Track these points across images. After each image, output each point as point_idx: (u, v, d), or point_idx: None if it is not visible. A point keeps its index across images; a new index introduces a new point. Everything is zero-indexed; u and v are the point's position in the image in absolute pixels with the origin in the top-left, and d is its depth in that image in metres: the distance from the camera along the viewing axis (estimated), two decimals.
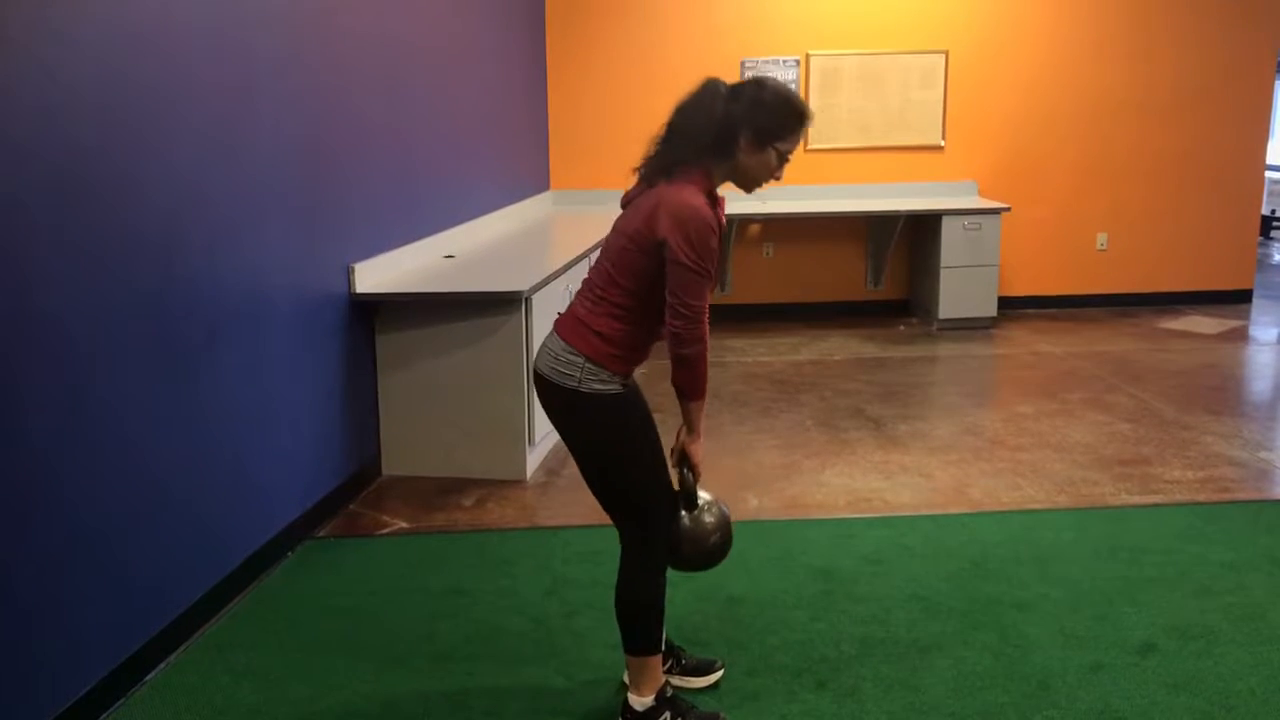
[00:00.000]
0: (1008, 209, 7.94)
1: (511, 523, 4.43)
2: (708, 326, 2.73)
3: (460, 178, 6.18)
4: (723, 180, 2.78)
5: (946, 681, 3.17)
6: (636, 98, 8.05)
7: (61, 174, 2.88)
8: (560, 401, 2.77)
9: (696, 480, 2.91)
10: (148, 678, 3.20)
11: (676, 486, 2.93)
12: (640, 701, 2.89)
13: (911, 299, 8.55)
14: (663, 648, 2.97)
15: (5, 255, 2.67)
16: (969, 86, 8.30)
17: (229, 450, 3.70)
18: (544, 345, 2.82)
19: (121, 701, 3.08)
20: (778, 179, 2.80)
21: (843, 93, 8.28)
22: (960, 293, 7.93)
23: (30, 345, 2.76)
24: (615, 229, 2.80)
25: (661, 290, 2.70)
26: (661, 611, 2.91)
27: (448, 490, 4.78)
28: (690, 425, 2.84)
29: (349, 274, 4.60)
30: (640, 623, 2.86)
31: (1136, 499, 4.61)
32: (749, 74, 8.19)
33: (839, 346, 7.56)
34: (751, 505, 4.59)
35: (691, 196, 2.65)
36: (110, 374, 3.07)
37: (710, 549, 2.94)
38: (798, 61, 8.23)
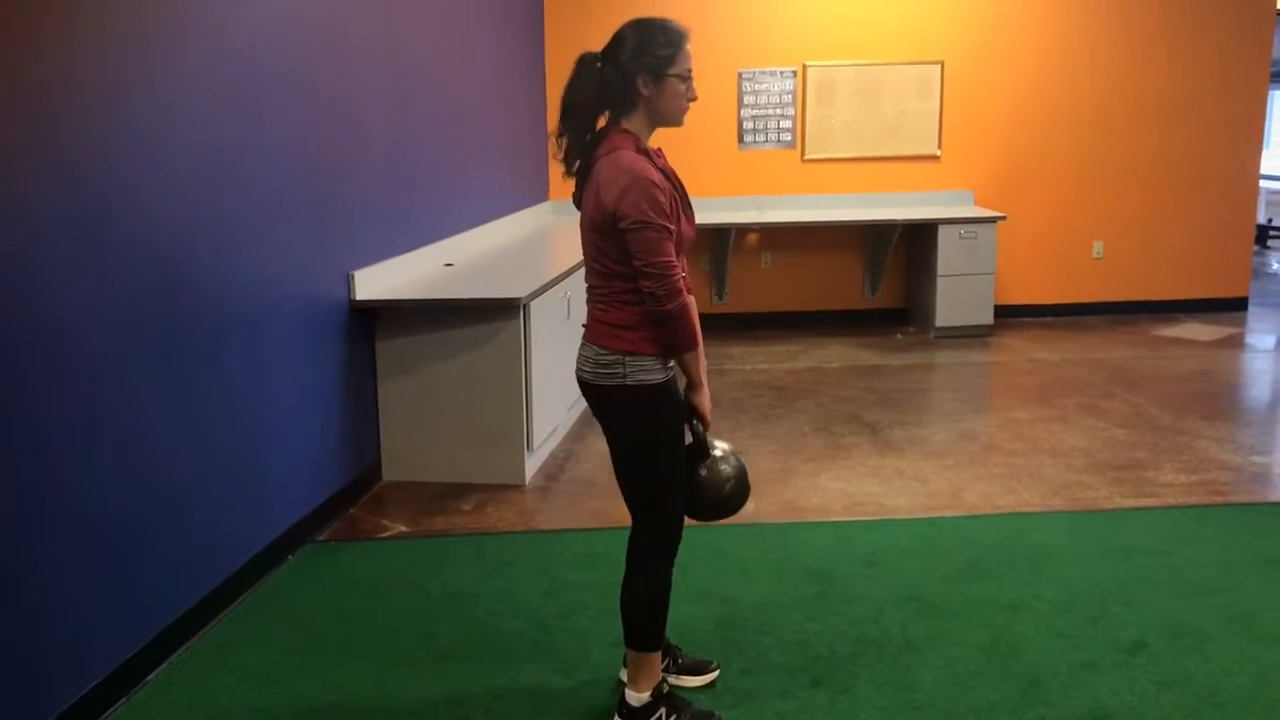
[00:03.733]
0: (1004, 218, 8.00)
1: (510, 526, 4.47)
2: (682, 279, 2.73)
3: (460, 187, 6.23)
4: (648, 130, 2.78)
5: (939, 680, 3.21)
6: None
7: (67, 186, 2.93)
8: (609, 400, 2.80)
9: (706, 429, 2.92)
10: (149, 677, 3.24)
11: (688, 440, 2.94)
12: (637, 698, 2.93)
13: (909, 307, 8.60)
14: (661, 644, 3.00)
15: (13, 266, 2.72)
16: (965, 96, 8.36)
17: (232, 455, 3.75)
18: (580, 356, 2.85)
19: (124, 700, 3.12)
20: (694, 99, 2.80)
21: (839, 103, 8.35)
22: (957, 301, 7.98)
23: (38, 352, 2.80)
24: (581, 228, 2.84)
25: None
26: (666, 608, 2.95)
27: (447, 495, 4.82)
28: (690, 377, 2.84)
29: (349, 281, 4.66)
30: (645, 618, 2.90)
31: (1130, 502, 4.65)
32: (746, 84, 8.26)
33: (837, 354, 7.60)
34: (748, 509, 4.55)
35: (621, 159, 2.68)
36: (117, 381, 3.11)
37: (726, 497, 2.96)
38: (794, 72, 8.29)
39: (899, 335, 8.22)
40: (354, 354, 4.73)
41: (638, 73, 2.70)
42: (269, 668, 3.34)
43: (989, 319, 8.06)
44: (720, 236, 8.21)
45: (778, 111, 8.35)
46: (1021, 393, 6.57)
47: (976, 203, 8.47)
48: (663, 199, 2.67)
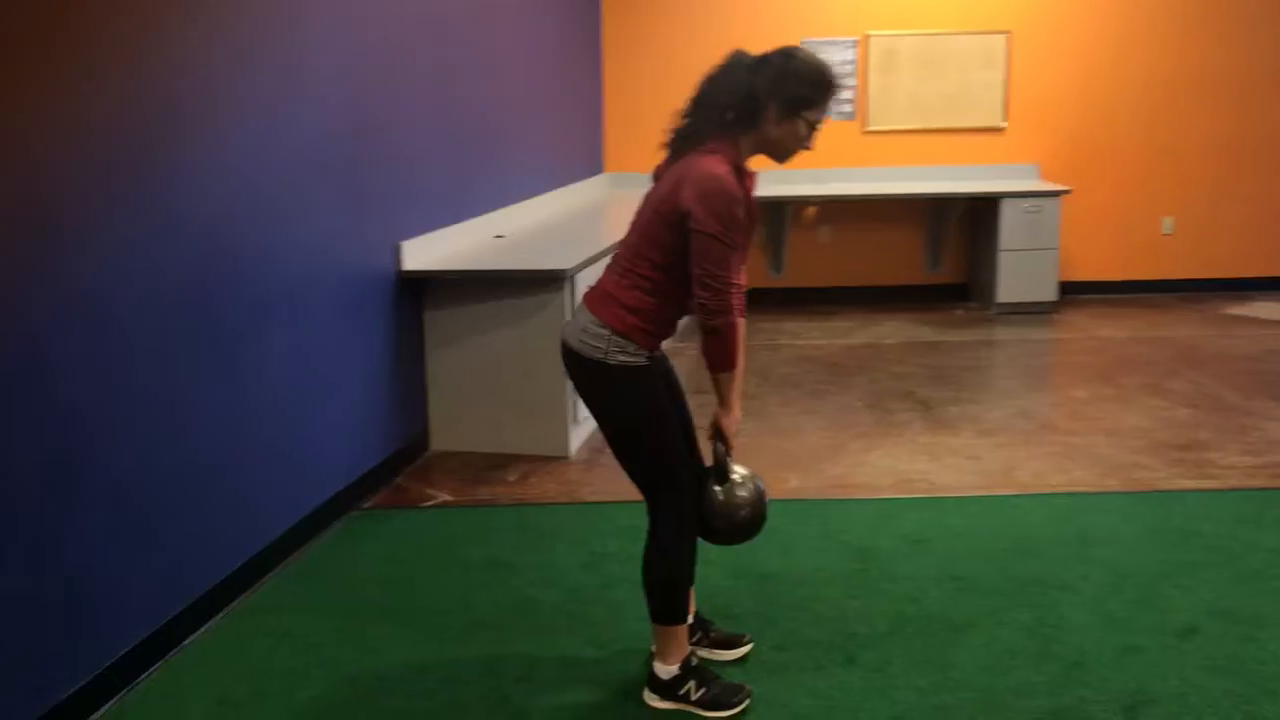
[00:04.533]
0: (1068, 192, 7.80)
1: (553, 498, 4.47)
2: (739, 299, 2.73)
3: (512, 158, 6.22)
4: (752, 152, 2.77)
5: (977, 660, 3.15)
6: (692, 80, 8.00)
7: (103, 152, 2.95)
8: (586, 373, 2.79)
9: (729, 453, 2.89)
10: (186, 641, 3.29)
11: (709, 461, 2.94)
12: (665, 670, 2.91)
13: (970, 283, 8.44)
14: (689, 619, 2.98)
15: (48, 234, 2.76)
16: (1032, 67, 8.16)
17: (272, 424, 3.78)
18: (572, 318, 2.84)
19: (160, 663, 3.17)
20: (809, 149, 2.79)
21: (901, 74, 8.19)
22: (1019, 276, 7.81)
23: (73, 319, 2.84)
24: (644, 202, 2.82)
25: (686, 263, 2.70)
26: (688, 583, 2.93)
27: (493, 465, 4.83)
28: (721, 398, 2.83)
29: (397, 251, 4.67)
30: (664, 593, 2.87)
31: (1189, 483, 4.52)
32: None
33: (894, 330, 7.49)
34: (792, 485, 4.58)
35: (715, 167, 2.66)
36: (152, 350, 3.14)
37: (740, 523, 2.92)
38: (855, 42, 8.15)
39: (959, 311, 8.07)
40: (402, 324, 4.75)
41: (771, 99, 2.67)
42: (306, 632, 3.37)
43: (1052, 295, 7.88)
44: (777, 210, 8.11)
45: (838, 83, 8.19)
46: (1082, 371, 6.42)
47: (1042, 176, 8.28)
48: (740, 215, 2.66)
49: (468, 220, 5.44)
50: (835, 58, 8.14)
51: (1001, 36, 8.11)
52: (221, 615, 3.46)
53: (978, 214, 8.19)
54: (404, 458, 4.81)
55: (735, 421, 2.87)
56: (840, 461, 4.86)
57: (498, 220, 5.80)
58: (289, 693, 3.03)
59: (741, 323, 2.78)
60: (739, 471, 2.92)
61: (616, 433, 2.85)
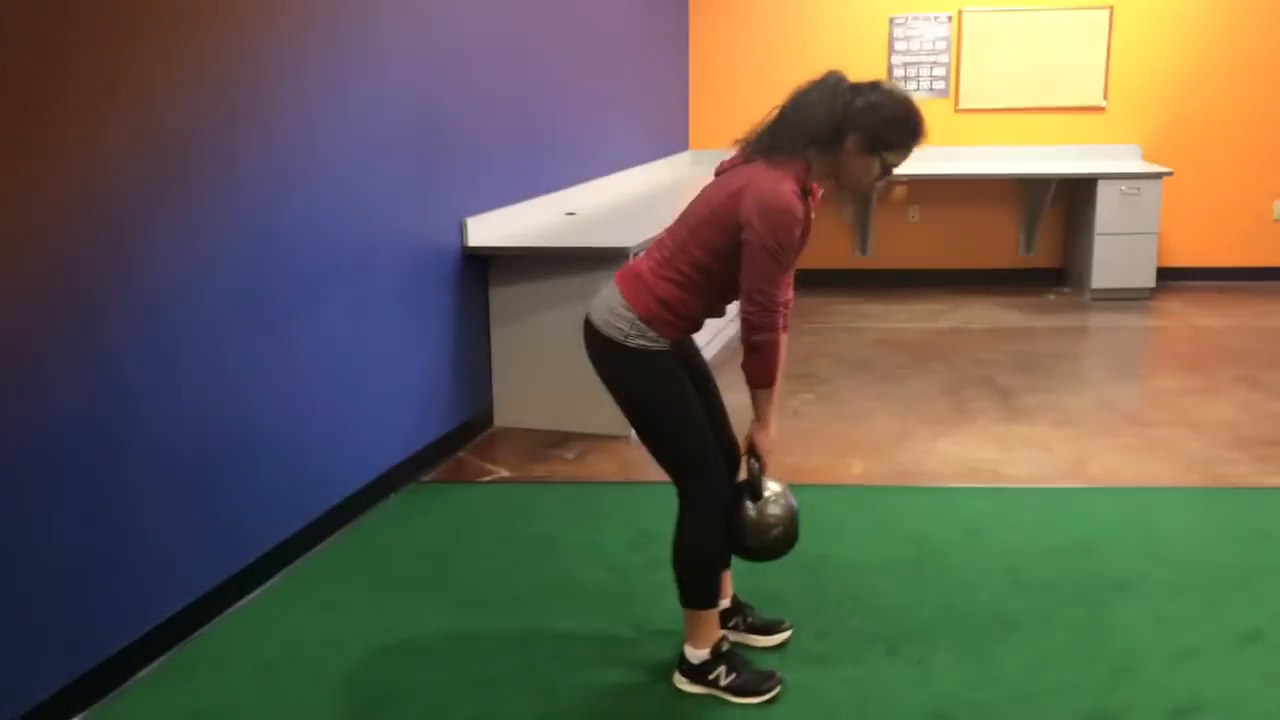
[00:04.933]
0: (1170, 174, 7.48)
1: (609, 476, 4.46)
2: (783, 317, 2.73)
3: (589, 134, 6.21)
4: (821, 176, 2.74)
5: (1022, 657, 3.05)
6: (780, 55, 7.92)
7: (149, 127, 3.02)
8: (605, 352, 2.77)
9: (763, 470, 2.87)
10: (235, 606, 3.37)
11: (743, 475, 2.92)
12: (695, 654, 2.89)
13: (1065, 267, 8.18)
14: (719, 603, 2.95)
15: (99, 197, 2.83)
16: (1135, 44, 7.83)
17: (327, 397, 3.83)
18: (601, 295, 2.82)
19: (207, 626, 3.26)
20: (875, 189, 2.75)
21: (997, 51, 7.94)
22: (1115, 261, 7.53)
23: (122, 283, 2.91)
24: (701, 197, 2.78)
25: (728, 267, 2.68)
26: (718, 567, 2.89)
27: (553, 442, 4.85)
28: (758, 413, 2.82)
29: (462, 228, 4.69)
30: (693, 577, 2.84)
31: (1275, 481, 4.31)
32: (898, 30, 7.95)
33: (981, 315, 7.30)
34: (855, 471, 4.50)
35: (782, 184, 2.61)
36: (205, 319, 3.21)
37: (771, 541, 2.90)
38: (949, 18, 7.93)
39: (1051, 296, 7.83)
40: (466, 300, 4.78)
41: (856, 131, 2.62)
42: (349, 602, 3.43)
43: (1150, 281, 7.58)
44: None
45: (930, 59, 8.01)
46: (1174, 361, 6.18)
47: (1144, 157, 7.96)
48: (797, 236, 2.64)
49: (541, 196, 5.44)
50: (928, 34, 7.95)
51: (1103, 11, 7.80)
52: (272, 582, 3.54)
53: (1074, 196, 7.92)
54: (468, 433, 4.86)
55: (771, 439, 2.85)
56: (907, 449, 4.75)
57: (573, 196, 5.79)
58: (324, 661, 3.09)
59: (785, 339, 2.79)
60: (772, 488, 2.89)
61: (635, 416, 2.83)
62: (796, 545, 2.95)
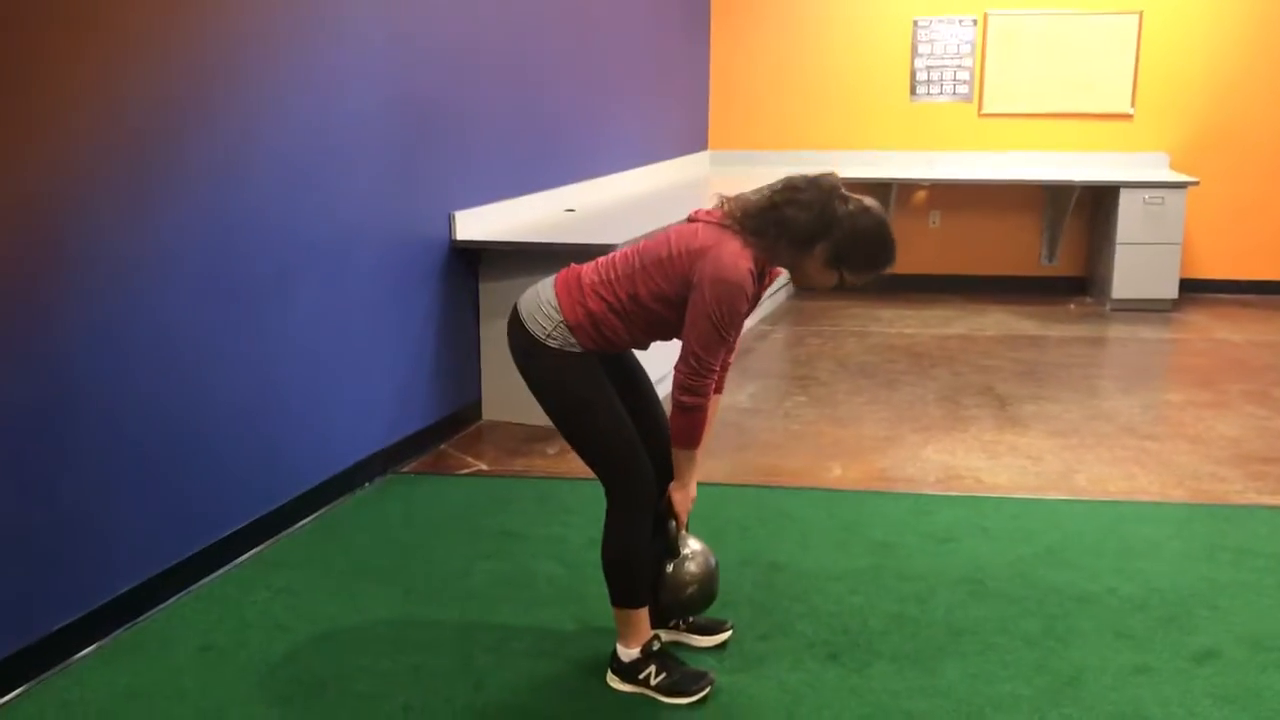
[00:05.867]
0: (1195, 183, 7.33)
1: (584, 474, 4.35)
2: (716, 380, 2.75)
3: (600, 129, 6.20)
4: (780, 264, 2.76)
5: (967, 668, 3.00)
6: (804, 55, 7.87)
7: (129, 108, 3.05)
8: (523, 344, 2.78)
9: (680, 529, 2.93)
10: (191, 588, 3.41)
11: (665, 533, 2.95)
12: (626, 653, 2.87)
13: (1088, 277, 8.04)
14: (646, 602, 2.93)
15: (59, 175, 2.87)
16: (1165, 50, 7.68)
17: (300, 383, 3.86)
18: (535, 288, 2.81)
19: (160, 606, 3.29)
20: (828, 289, 2.79)
21: (1024, 55, 7.83)
22: (1137, 272, 7.40)
23: (67, 266, 2.95)
24: (665, 236, 2.77)
25: (666, 312, 2.70)
26: (641, 566, 2.86)
27: (537, 438, 4.84)
28: (678, 473, 2.84)
29: (450, 221, 4.71)
30: (622, 576, 2.83)
31: (1266, 499, 4.20)
32: (921, 33, 7.86)
33: (995, 323, 7.20)
34: (833, 474, 4.45)
35: (741, 259, 2.63)
36: (158, 299, 3.24)
37: (686, 600, 2.97)
38: (974, 21, 7.83)
39: (1071, 306, 7.70)
40: (454, 293, 4.80)
41: (826, 240, 2.63)
42: (305, 588, 3.45)
43: (1172, 293, 7.43)
44: (884, 192, 7.87)
45: (954, 62, 7.91)
46: (1185, 374, 6.05)
47: (1171, 166, 7.80)
48: (742, 312, 2.65)
49: (540, 192, 5.45)
50: (952, 37, 7.86)
51: (1133, 17, 7.66)
52: (231, 565, 3.57)
53: (1098, 205, 7.78)
54: (453, 425, 4.87)
55: (689, 499, 2.90)
56: (891, 454, 4.70)
57: (577, 192, 5.79)
58: (268, 644, 3.11)
59: (717, 400, 2.89)
60: (691, 546, 2.96)
61: (552, 413, 2.82)
62: (713, 602, 3.03)
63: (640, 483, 2.81)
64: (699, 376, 2.66)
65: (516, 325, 2.78)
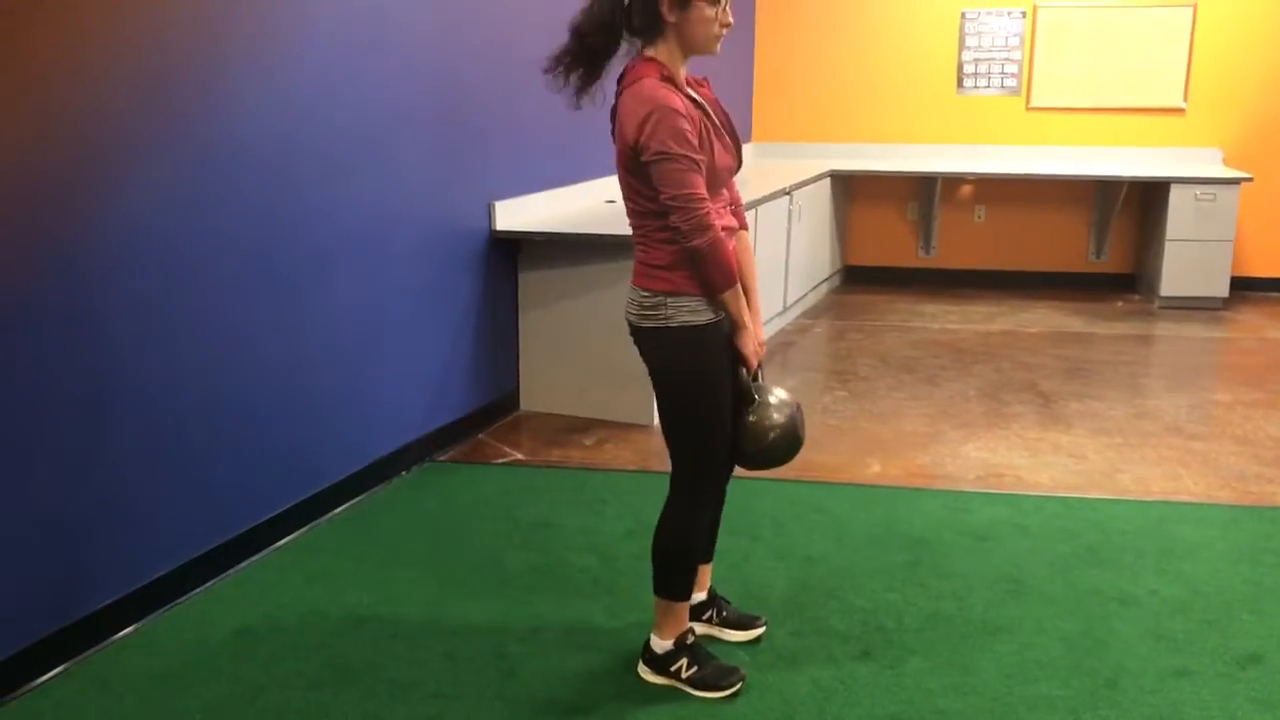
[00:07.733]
0: (1249, 179, 7.19)
1: (623, 464, 4.45)
2: (710, 213, 2.57)
3: None
4: (679, 59, 2.64)
5: (1003, 667, 2.96)
6: (850, 46, 7.80)
7: (159, 83, 3.08)
8: (652, 342, 2.71)
9: (750, 374, 2.79)
10: (229, 572, 3.44)
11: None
12: (660, 644, 2.86)
13: (1138, 274, 7.92)
14: (697, 597, 2.91)
15: (103, 170, 2.90)
16: (1219, 44, 7.54)
17: (336, 371, 3.88)
18: (628, 299, 2.76)
19: (200, 589, 3.33)
20: (727, 24, 2.64)
21: (1073, 48, 7.72)
22: (1187, 269, 7.27)
23: (123, 250, 2.99)
24: (616, 167, 2.72)
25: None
26: (694, 561, 2.85)
27: (574, 428, 4.85)
28: (731, 317, 2.70)
29: (490, 211, 4.72)
30: (670, 566, 2.82)
31: None
32: (969, 25, 7.77)
33: (1040, 319, 7.11)
34: (871, 470, 4.41)
35: (644, 89, 2.54)
36: (204, 281, 3.27)
37: (769, 446, 2.79)
38: (1024, 14, 7.72)
39: (1119, 303, 7.59)
40: (493, 284, 4.81)
41: None
42: (339, 574, 3.48)
43: (1223, 291, 7.29)
44: (928, 186, 7.81)
45: (1003, 55, 7.81)
46: (1234, 373, 5.94)
47: (1225, 162, 7.66)
48: (687, 128, 2.53)
49: (580, 183, 5.45)
50: (1001, 29, 7.76)
51: (1186, 9, 7.52)
52: (270, 549, 3.61)
53: (1148, 201, 7.66)
54: (491, 414, 4.89)
55: (753, 340, 2.74)
56: (931, 450, 4.65)
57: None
58: (303, 629, 3.14)
59: (734, 235, 2.72)
60: (776, 394, 2.82)
61: (670, 393, 2.74)
62: (796, 453, 2.86)
63: (715, 478, 2.81)
64: (691, 213, 2.53)
65: (640, 333, 2.73)
